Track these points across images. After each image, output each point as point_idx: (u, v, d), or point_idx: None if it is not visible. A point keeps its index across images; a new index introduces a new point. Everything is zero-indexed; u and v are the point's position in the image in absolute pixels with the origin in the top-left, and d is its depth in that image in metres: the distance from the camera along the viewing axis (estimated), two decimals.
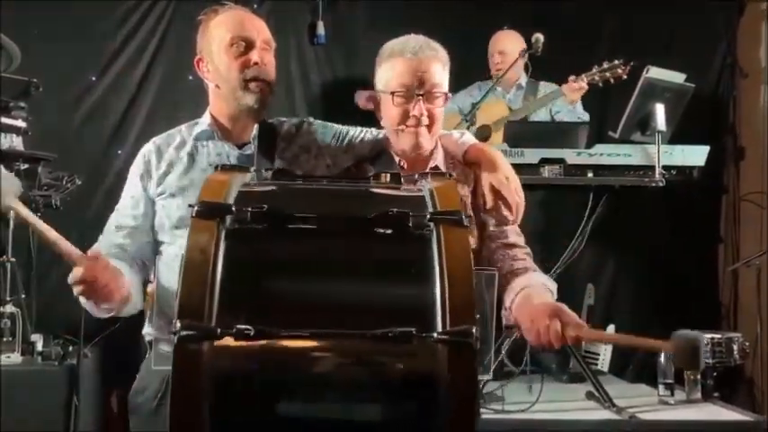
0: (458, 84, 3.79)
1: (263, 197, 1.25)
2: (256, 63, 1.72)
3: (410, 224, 1.14)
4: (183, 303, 1.07)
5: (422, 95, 1.70)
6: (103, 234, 1.80)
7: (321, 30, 3.99)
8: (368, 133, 1.90)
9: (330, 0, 4.04)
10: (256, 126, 1.80)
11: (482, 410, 2.93)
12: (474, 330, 1.06)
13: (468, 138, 1.85)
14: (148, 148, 1.82)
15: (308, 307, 1.12)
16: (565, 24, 3.93)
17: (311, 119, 1.94)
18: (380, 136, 1.87)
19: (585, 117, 3.53)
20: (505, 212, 1.69)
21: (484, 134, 3.20)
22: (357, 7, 4.18)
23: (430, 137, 1.74)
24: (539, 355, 3.62)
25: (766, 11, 4.17)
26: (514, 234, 1.80)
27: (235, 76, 1.72)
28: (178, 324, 1.04)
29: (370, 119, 2.12)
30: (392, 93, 1.71)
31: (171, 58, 4.00)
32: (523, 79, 3.76)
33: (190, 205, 1.16)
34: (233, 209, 1.14)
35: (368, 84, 4.37)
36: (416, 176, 1.38)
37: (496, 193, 1.69)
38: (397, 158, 1.79)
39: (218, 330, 1.05)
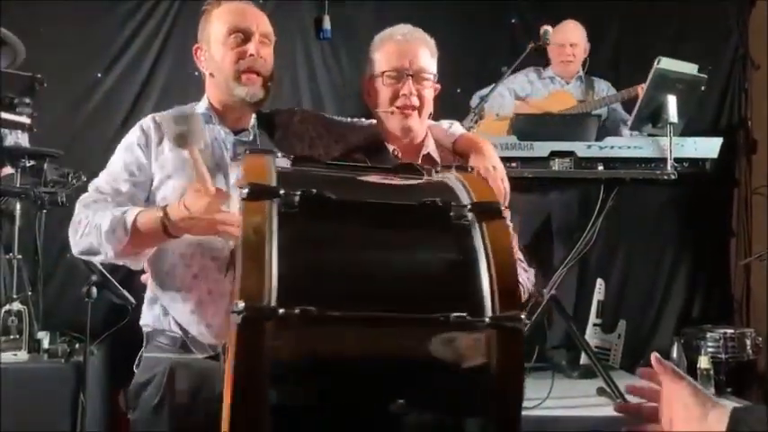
0: (471, 80, 3.77)
1: (306, 181, 1.23)
2: (252, 55, 1.73)
3: (452, 213, 1.17)
4: (244, 284, 1.05)
5: (411, 76, 1.75)
6: (85, 206, 1.71)
7: (327, 24, 4.05)
8: (359, 122, 1.94)
9: None
10: (254, 115, 1.82)
11: None
12: (523, 316, 1.10)
13: (457, 128, 1.89)
14: (147, 122, 1.79)
15: (364, 289, 1.13)
16: (575, 14, 3.89)
17: (299, 108, 1.99)
18: (365, 123, 1.91)
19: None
20: None
21: None
22: (364, 5, 4.14)
23: (419, 120, 1.79)
24: (549, 351, 3.60)
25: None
26: None
27: (228, 66, 1.72)
28: (241, 304, 1.04)
29: None
30: (383, 72, 1.76)
31: (177, 53, 3.98)
32: (581, 72, 3.77)
33: (240, 187, 1.16)
34: (281, 192, 1.13)
35: None
36: (438, 168, 1.40)
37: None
38: (391, 148, 1.82)
39: (281, 311, 1.04)
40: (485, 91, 3.63)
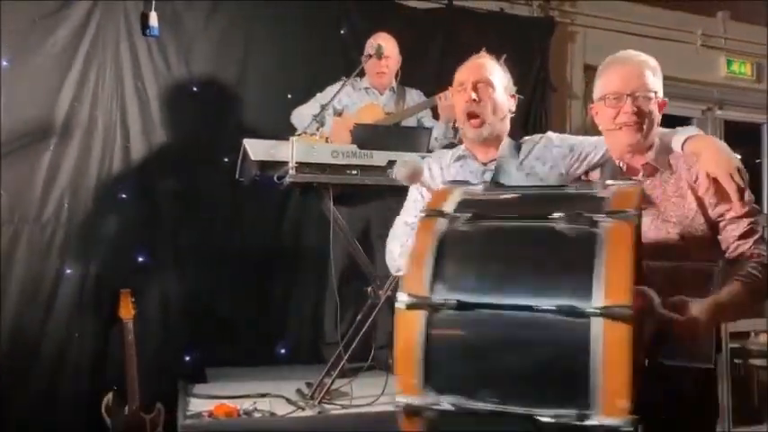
0: (303, 87, 3.83)
1: (476, 203, 1.54)
2: (472, 100, 2.16)
3: (581, 222, 1.36)
4: (407, 280, 1.38)
5: (629, 96, 1.89)
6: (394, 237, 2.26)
7: (154, 21, 3.90)
8: (600, 141, 2.14)
9: None
10: (503, 145, 2.20)
11: (330, 406, 2.99)
12: (628, 306, 1.24)
13: (688, 131, 2.01)
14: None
15: (498, 286, 1.37)
16: (402, 29, 4.08)
17: (550, 133, 2.28)
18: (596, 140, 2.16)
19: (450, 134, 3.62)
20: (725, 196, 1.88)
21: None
22: (193, 2, 4.03)
23: (640, 134, 1.92)
24: (377, 351, 3.74)
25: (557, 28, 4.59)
26: (738, 210, 1.90)
27: (459, 111, 2.22)
28: (405, 296, 1.35)
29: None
30: (604, 96, 1.93)
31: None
32: (394, 84, 3.84)
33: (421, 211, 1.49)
34: (445, 212, 1.47)
35: (201, 80, 4.21)
36: (607, 183, 1.59)
37: (714, 180, 1.88)
38: (616, 161, 2.00)
39: (434, 300, 1.35)
40: (303, 107, 3.71)
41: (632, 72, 1.92)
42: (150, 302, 3.80)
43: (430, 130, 3.40)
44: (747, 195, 1.89)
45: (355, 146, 3.09)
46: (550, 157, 2.20)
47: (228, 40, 4.10)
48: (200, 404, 3.04)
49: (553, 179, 2.15)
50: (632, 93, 1.90)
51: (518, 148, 2.25)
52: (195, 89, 4.03)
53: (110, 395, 3.54)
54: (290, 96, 3.91)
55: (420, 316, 1.35)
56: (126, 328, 3.61)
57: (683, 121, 5.24)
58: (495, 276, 1.39)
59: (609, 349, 1.24)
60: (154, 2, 3.88)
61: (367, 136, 3.15)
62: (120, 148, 3.87)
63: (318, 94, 3.71)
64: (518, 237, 1.45)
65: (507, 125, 2.29)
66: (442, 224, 1.44)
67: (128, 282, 3.72)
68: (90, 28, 3.83)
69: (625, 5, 4.96)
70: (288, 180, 2.98)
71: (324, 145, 3.12)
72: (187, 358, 3.83)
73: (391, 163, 3.07)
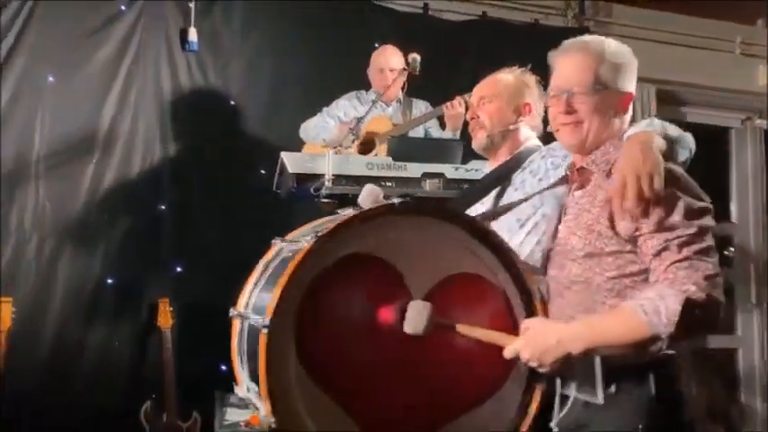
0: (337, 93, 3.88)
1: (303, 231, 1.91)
2: (472, 118, 2.30)
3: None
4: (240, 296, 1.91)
5: (566, 92, 1.66)
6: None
7: (193, 36, 4.00)
8: None
9: (204, 5, 4.01)
10: (508, 158, 2.21)
11: None
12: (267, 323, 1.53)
13: (639, 125, 1.70)
14: None
15: (262, 303, 1.76)
16: (434, 43, 4.10)
17: (548, 146, 2.17)
18: None
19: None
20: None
21: (369, 145, 3.28)
22: (233, 14, 4.12)
23: (578, 135, 1.68)
24: None
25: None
26: (652, 224, 1.54)
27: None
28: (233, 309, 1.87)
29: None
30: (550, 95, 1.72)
31: (28, 57, 3.74)
32: (401, 95, 3.86)
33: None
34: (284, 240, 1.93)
35: (238, 94, 4.29)
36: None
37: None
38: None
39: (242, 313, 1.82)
40: (310, 120, 3.73)
41: (571, 65, 1.66)
42: (188, 311, 3.86)
43: (463, 142, 3.41)
44: (656, 205, 1.52)
45: (390, 158, 3.12)
46: (543, 168, 2.06)
47: (265, 54, 4.17)
48: (236, 414, 3.08)
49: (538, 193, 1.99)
50: (569, 89, 1.65)
51: (515, 161, 2.18)
52: (233, 102, 4.11)
53: (148, 403, 3.61)
54: (324, 109, 3.95)
55: (237, 324, 1.82)
56: (164, 337, 3.68)
57: (721, 132, 5.16)
58: (262, 295, 1.77)
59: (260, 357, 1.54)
60: (193, 18, 3.98)
61: (401, 148, 3.18)
62: (160, 161, 3.96)
63: (325, 108, 3.76)
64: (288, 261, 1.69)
65: (516, 136, 2.23)
66: (275, 251, 1.87)
67: (166, 291, 3.80)
68: (132, 44, 3.94)
69: (661, 14, 4.91)
70: (324, 192, 3.02)
71: (359, 157, 3.16)
72: (224, 368, 3.87)
73: (425, 175, 3.10)
